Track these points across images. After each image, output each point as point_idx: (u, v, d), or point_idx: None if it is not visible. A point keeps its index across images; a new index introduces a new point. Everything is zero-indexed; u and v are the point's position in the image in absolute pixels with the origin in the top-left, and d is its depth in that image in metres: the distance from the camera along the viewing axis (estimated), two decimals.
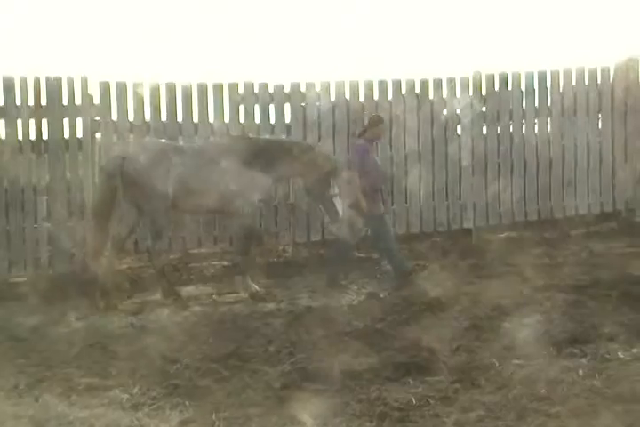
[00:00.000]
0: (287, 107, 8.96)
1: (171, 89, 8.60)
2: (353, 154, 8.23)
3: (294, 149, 7.85)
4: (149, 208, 7.41)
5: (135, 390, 4.90)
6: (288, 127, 8.95)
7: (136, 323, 6.67)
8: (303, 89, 9.01)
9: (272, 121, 8.92)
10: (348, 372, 5.03)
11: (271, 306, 7.15)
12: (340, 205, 7.67)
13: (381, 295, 7.32)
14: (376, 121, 8.19)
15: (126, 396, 4.82)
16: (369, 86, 9.21)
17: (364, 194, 7.70)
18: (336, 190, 7.72)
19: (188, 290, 7.77)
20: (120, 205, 7.49)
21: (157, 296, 7.46)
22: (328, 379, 4.92)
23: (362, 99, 9.19)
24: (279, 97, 8.93)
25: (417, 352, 5.29)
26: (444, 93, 9.44)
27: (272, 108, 8.90)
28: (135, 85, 8.49)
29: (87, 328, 6.53)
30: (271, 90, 8.92)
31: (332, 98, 9.10)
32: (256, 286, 7.56)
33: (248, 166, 7.61)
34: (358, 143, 8.21)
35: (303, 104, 8.99)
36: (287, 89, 8.98)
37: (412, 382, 4.86)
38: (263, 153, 7.71)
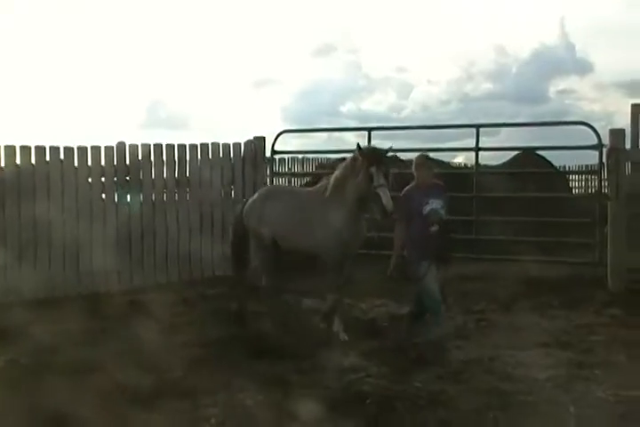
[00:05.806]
0: None
1: None
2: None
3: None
4: (254, 244, 8.17)
5: None
6: None
7: None
8: None
9: None
10: None
11: None
12: (386, 195, 7.14)
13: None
14: (415, 164, 7.59)
15: None
16: (10, 151, 9.23)
17: (410, 239, 7.27)
18: (380, 181, 7.22)
19: None
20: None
21: None
22: None
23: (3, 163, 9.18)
24: None
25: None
26: (89, 161, 9.78)
27: None
28: None
29: None
30: None
31: None
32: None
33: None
34: (405, 189, 7.61)
35: None
36: None
37: None
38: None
